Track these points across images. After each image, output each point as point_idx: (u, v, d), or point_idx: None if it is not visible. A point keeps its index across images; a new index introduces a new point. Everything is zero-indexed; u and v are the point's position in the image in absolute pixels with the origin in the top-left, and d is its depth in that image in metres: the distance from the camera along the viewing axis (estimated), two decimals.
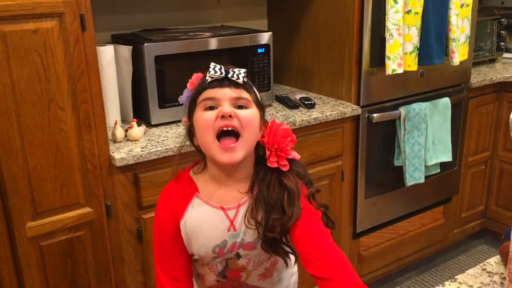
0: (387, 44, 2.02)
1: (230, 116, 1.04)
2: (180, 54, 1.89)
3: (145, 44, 1.81)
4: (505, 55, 2.98)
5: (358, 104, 2.14)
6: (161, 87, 1.87)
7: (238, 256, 1.16)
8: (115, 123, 1.75)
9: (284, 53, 2.44)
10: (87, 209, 1.61)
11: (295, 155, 1.11)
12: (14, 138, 1.43)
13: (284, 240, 1.12)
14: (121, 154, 1.62)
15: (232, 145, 1.04)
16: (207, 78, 1.08)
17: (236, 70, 1.08)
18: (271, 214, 1.07)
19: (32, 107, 1.45)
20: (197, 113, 1.08)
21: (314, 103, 2.12)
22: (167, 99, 1.89)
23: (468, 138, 2.63)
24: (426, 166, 2.32)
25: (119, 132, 1.73)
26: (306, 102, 2.10)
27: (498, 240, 2.86)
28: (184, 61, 1.91)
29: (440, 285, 0.96)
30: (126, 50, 1.87)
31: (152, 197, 1.70)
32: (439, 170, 2.41)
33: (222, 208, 1.12)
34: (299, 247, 1.05)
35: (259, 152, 1.13)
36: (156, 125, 1.91)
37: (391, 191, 2.37)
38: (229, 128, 1.04)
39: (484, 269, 1.01)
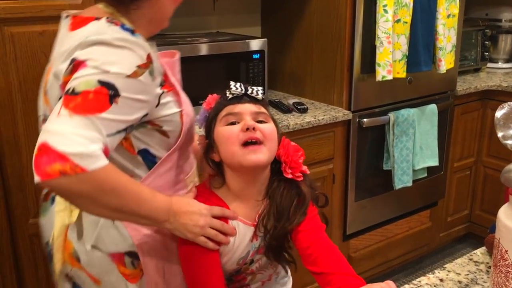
0: (377, 52, 2.10)
1: (254, 128, 1.07)
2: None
3: None
4: (489, 64, 3.09)
5: (349, 109, 2.22)
6: None
7: (251, 261, 1.17)
8: None
9: (277, 59, 2.52)
10: None
11: (306, 169, 1.15)
12: (19, 136, 1.47)
13: (286, 247, 1.16)
14: None
15: (257, 144, 1.07)
16: (227, 95, 1.13)
17: (254, 87, 1.14)
18: (279, 222, 1.10)
19: (37, 107, 1.49)
20: (218, 128, 1.11)
21: (307, 107, 2.19)
22: None
23: (454, 144, 2.72)
24: (413, 170, 2.40)
25: None
26: (299, 107, 2.17)
27: (482, 244, 2.94)
28: (181, 65, 1.96)
29: (430, 273, 1.02)
30: None
31: None
32: (426, 175, 2.50)
33: (253, 225, 1.13)
34: (298, 243, 1.11)
35: (273, 166, 1.16)
36: None
37: (380, 194, 2.44)
38: (253, 140, 1.07)
39: (470, 259, 1.08)
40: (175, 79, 1.17)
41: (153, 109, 1.06)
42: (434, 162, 2.47)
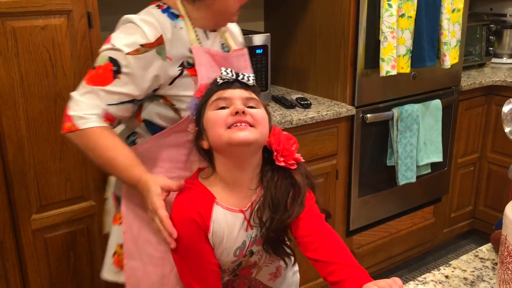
0: (381, 47, 2.09)
1: (243, 112, 1.06)
2: None
3: None
4: (494, 60, 3.07)
5: (353, 105, 2.21)
6: None
7: (251, 253, 1.16)
8: None
9: (280, 55, 2.50)
10: (91, 203, 1.64)
11: (299, 157, 1.13)
12: (21, 131, 1.47)
13: (285, 240, 1.15)
14: None
15: (244, 124, 1.05)
16: (218, 80, 1.12)
17: (245, 73, 1.14)
18: (276, 214, 1.09)
19: (39, 102, 1.49)
20: (207, 113, 1.09)
21: (310, 103, 2.17)
22: None
23: (458, 140, 2.71)
24: (417, 166, 2.38)
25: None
26: (302, 102, 2.16)
27: (485, 240, 2.93)
28: None
29: (436, 269, 1.01)
30: None
31: None
32: (430, 170, 2.48)
33: (241, 211, 1.11)
34: (296, 230, 1.09)
35: (265, 155, 1.14)
36: None
37: (384, 190, 2.43)
38: (242, 124, 1.05)
39: (476, 256, 1.06)
40: (212, 70, 1.24)
41: (165, 87, 1.22)
42: (438, 158, 2.45)
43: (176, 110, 1.24)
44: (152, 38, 1.17)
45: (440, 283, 0.97)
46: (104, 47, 1.19)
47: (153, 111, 1.24)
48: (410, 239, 2.66)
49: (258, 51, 2.13)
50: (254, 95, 1.12)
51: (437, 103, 2.40)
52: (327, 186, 2.23)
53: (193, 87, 1.21)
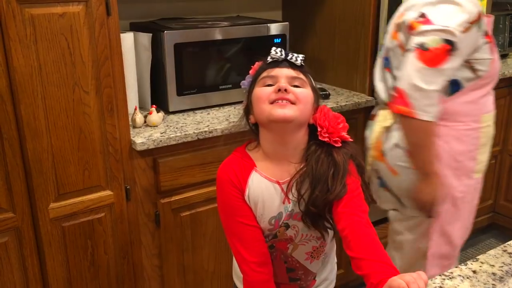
0: None
1: (286, 90, 1.11)
2: (199, 42, 1.91)
3: (165, 31, 1.83)
4: None
5: (372, 96, 2.16)
6: (179, 74, 1.89)
7: (287, 226, 1.19)
8: (135, 109, 1.78)
9: (298, 44, 2.46)
10: (108, 192, 1.64)
11: (346, 135, 1.16)
12: (39, 120, 1.46)
13: (325, 215, 1.15)
14: (141, 139, 1.65)
15: (285, 102, 1.10)
16: (268, 59, 1.18)
17: (295, 53, 1.18)
18: (316, 189, 1.11)
19: (57, 90, 1.48)
20: (255, 89, 1.16)
21: (329, 93, 2.14)
22: (185, 87, 1.92)
23: None
24: None
25: (139, 118, 1.76)
26: (320, 93, 2.11)
27: (505, 235, 2.88)
28: (202, 49, 1.94)
29: (463, 264, 0.98)
30: (145, 38, 1.89)
31: (170, 181, 1.74)
32: None
33: (278, 183, 1.17)
34: (337, 223, 1.10)
35: (311, 132, 1.18)
36: (174, 112, 1.94)
37: None
38: (284, 101, 1.10)
39: (505, 250, 1.03)
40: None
41: (472, 54, 1.46)
42: None
43: (474, 71, 1.49)
44: (475, 14, 1.40)
45: (467, 278, 0.94)
46: (430, 27, 1.39)
47: (457, 74, 1.47)
48: None
49: (276, 40, 2.09)
50: (301, 75, 1.16)
51: None
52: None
53: (488, 51, 1.50)
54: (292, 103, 1.10)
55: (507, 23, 2.88)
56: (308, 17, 2.40)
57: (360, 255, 1.01)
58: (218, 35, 1.95)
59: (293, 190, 1.14)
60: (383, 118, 1.65)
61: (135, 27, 2.03)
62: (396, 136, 1.59)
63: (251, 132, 1.23)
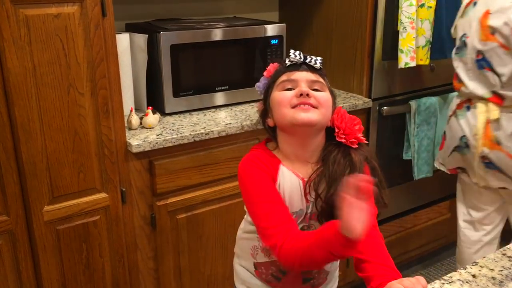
0: (400, 37, 2.03)
1: (308, 95, 1.10)
2: (195, 44, 1.90)
3: (161, 32, 1.82)
4: None
5: (369, 97, 2.16)
6: (175, 76, 1.88)
7: (308, 227, 1.19)
8: (131, 110, 1.76)
9: (295, 45, 2.45)
10: (103, 195, 1.62)
11: (362, 137, 1.16)
12: (34, 121, 1.44)
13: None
14: (137, 141, 1.63)
15: (307, 106, 1.10)
16: (286, 62, 1.17)
17: (313, 56, 1.18)
18: (332, 187, 1.10)
19: (52, 91, 1.46)
20: (274, 93, 1.16)
21: None
22: (181, 88, 1.91)
23: None
24: (434, 160, 2.33)
25: (135, 119, 1.74)
26: None
27: (502, 236, 2.88)
28: (199, 50, 1.93)
29: (462, 268, 0.97)
30: (141, 39, 1.88)
31: (166, 184, 1.72)
32: None
33: (303, 180, 1.16)
34: None
35: (328, 134, 1.19)
36: (170, 114, 1.92)
37: (399, 184, 2.39)
38: (306, 106, 1.10)
39: (504, 254, 1.02)
40: None
41: None
42: None
43: None
44: None
45: (467, 282, 0.93)
46: None
47: None
48: (425, 235, 2.61)
49: (273, 41, 2.08)
50: (320, 78, 1.16)
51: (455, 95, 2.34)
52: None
53: None
54: (314, 107, 1.11)
55: None
56: (305, 18, 2.39)
57: (365, 257, 1.01)
58: (214, 36, 1.94)
59: (311, 189, 1.15)
60: (484, 110, 1.81)
61: (131, 28, 2.02)
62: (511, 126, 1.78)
63: (267, 134, 1.23)
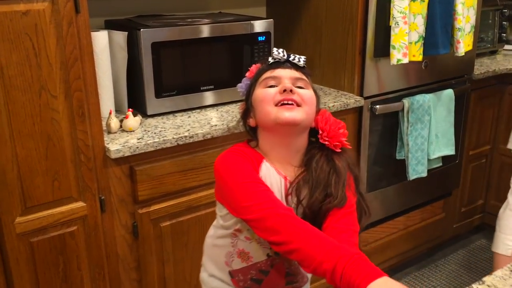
0: (392, 33, 1.95)
1: (291, 91, 1.07)
2: (178, 41, 1.80)
3: (141, 30, 1.72)
4: (506, 46, 2.93)
5: (361, 95, 2.08)
6: (157, 75, 1.78)
7: None
8: (110, 113, 1.66)
9: (283, 42, 2.36)
10: (80, 204, 1.52)
11: (345, 141, 1.13)
12: (2, 128, 1.34)
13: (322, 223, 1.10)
14: (116, 145, 1.54)
15: (291, 103, 1.07)
16: (269, 60, 1.14)
17: (297, 55, 1.15)
18: (315, 193, 1.07)
19: (22, 95, 1.35)
20: (257, 91, 1.13)
21: None
22: (164, 88, 1.81)
23: (469, 131, 2.58)
24: (428, 160, 2.26)
25: (114, 123, 1.64)
26: None
27: None
28: (182, 48, 1.83)
29: (467, 287, 0.89)
30: (121, 36, 1.77)
31: (148, 190, 1.62)
32: (441, 164, 2.36)
33: (285, 178, 1.12)
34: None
35: (311, 137, 1.16)
36: (153, 116, 1.82)
37: (392, 185, 2.31)
38: (289, 102, 1.07)
39: None
40: None
41: None
42: (450, 151, 2.33)
43: None
44: None
45: None
46: None
47: None
48: (419, 235, 2.55)
49: (260, 38, 1.99)
50: (304, 76, 1.14)
51: (449, 93, 2.27)
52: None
53: None
54: (298, 105, 1.07)
55: (496, 18, 2.81)
56: (293, 13, 2.29)
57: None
58: (198, 33, 1.84)
59: (293, 194, 1.11)
60: None
61: (110, 25, 1.91)
62: None
63: (247, 135, 1.19)
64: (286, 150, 1.12)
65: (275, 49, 1.15)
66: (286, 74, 1.11)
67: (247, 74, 1.20)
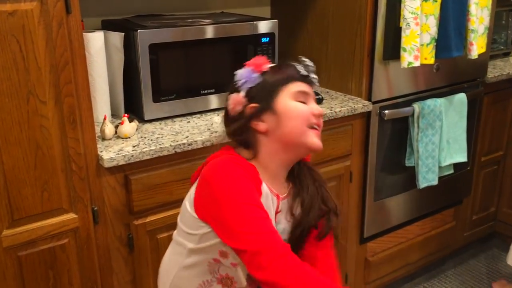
0: (403, 35, 1.85)
1: (320, 115, 1.10)
2: (176, 43, 1.71)
3: (138, 30, 1.63)
4: None
5: (369, 100, 1.98)
6: (155, 78, 1.69)
7: None
8: (104, 118, 1.58)
9: (288, 43, 2.27)
10: (72, 215, 1.44)
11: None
12: None
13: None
14: (110, 153, 1.45)
15: (319, 129, 1.09)
16: (300, 70, 1.10)
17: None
18: (312, 208, 1.10)
19: (8, 100, 1.27)
20: (288, 101, 1.06)
21: (322, 98, 1.95)
22: (162, 92, 1.72)
23: (482, 137, 2.48)
24: (439, 167, 2.16)
25: (109, 129, 1.56)
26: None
27: (508, 244, 2.72)
28: (181, 50, 1.74)
29: None
30: (117, 37, 1.69)
31: (144, 200, 1.54)
32: (452, 171, 2.26)
33: (277, 196, 1.10)
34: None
35: None
36: (150, 121, 1.74)
37: (401, 193, 2.22)
38: (318, 128, 1.09)
39: None
40: None
41: None
42: (462, 157, 2.23)
43: None
44: None
45: None
46: None
47: None
48: (429, 245, 2.45)
49: (263, 39, 1.90)
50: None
51: (462, 97, 2.17)
52: (340, 189, 2.02)
53: None
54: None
55: (510, 19, 2.70)
56: (298, 13, 2.20)
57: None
58: (199, 34, 1.75)
59: (287, 211, 1.12)
60: None
61: (107, 25, 1.83)
62: None
63: (245, 139, 1.09)
64: (286, 168, 1.11)
65: (307, 60, 1.12)
66: (311, 92, 1.10)
67: (254, 66, 1.10)
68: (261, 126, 1.06)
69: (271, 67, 1.12)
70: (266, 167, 1.08)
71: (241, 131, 1.08)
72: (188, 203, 1.08)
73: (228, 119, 1.12)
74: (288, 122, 1.05)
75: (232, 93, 1.11)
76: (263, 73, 1.09)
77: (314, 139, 1.06)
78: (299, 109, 1.06)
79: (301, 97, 1.07)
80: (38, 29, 1.27)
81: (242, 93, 1.08)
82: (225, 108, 1.15)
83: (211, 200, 0.99)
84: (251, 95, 1.08)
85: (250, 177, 1.01)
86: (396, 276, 2.37)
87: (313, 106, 1.08)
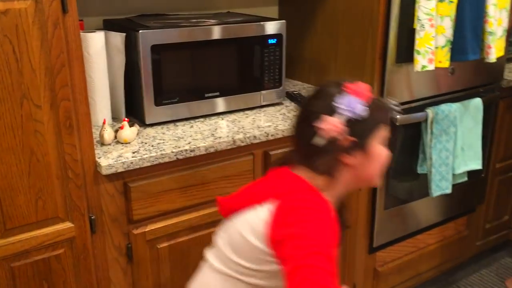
0: (417, 37, 1.77)
1: None
2: (180, 44, 1.64)
3: (140, 31, 1.56)
4: None
5: None
6: (157, 81, 1.62)
7: None
8: (103, 123, 1.51)
9: (297, 45, 2.19)
10: (68, 224, 1.37)
11: None
12: None
13: None
14: (108, 160, 1.38)
15: None
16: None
17: None
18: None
19: (0, 104, 1.21)
20: (378, 145, 1.08)
21: None
22: (164, 95, 1.65)
23: (497, 143, 2.39)
24: (453, 175, 2.07)
25: (108, 134, 1.49)
26: None
27: None
28: (184, 51, 1.67)
29: None
30: (118, 38, 1.62)
31: (144, 209, 1.47)
32: (466, 179, 2.17)
33: None
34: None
35: None
36: (151, 125, 1.67)
37: (413, 201, 2.13)
38: None
39: None
40: None
41: None
42: (477, 165, 2.14)
43: None
44: None
45: None
46: None
47: None
48: (440, 254, 2.37)
49: (271, 40, 1.83)
50: None
51: (477, 102, 2.08)
52: (348, 197, 1.94)
53: None
54: None
55: None
56: (307, 14, 2.12)
57: None
58: (203, 35, 1.68)
59: None
60: None
61: (108, 25, 1.77)
62: None
63: (328, 168, 1.06)
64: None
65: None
66: None
67: (360, 95, 1.04)
68: (350, 160, 1.05)
69: (373, 101, 1.06)
70: (334, 195, 1.10)
71: (327, 160, 1.04)
72: (250, 233, 1.04)
73: (309, 135, 1.04)
74: (373, 165, 1.09)
75: (324, 113, 1.03)
76: (367, 107, 1.04)
77: (378, 181, 1.13)
78: (385, 156, 1.11)
79: (385, 142, 1.10)
80: (33, 29, 1.21)
81: (340, 120, 1.02)
82: (304, 117, 1.10)
83: (302, 225, 0.98)
84: (351, 127, 1.02)
85: (331, 217, 1.03)
86: (406, 286, 2.29)
87: (388, 153, 1.12)
